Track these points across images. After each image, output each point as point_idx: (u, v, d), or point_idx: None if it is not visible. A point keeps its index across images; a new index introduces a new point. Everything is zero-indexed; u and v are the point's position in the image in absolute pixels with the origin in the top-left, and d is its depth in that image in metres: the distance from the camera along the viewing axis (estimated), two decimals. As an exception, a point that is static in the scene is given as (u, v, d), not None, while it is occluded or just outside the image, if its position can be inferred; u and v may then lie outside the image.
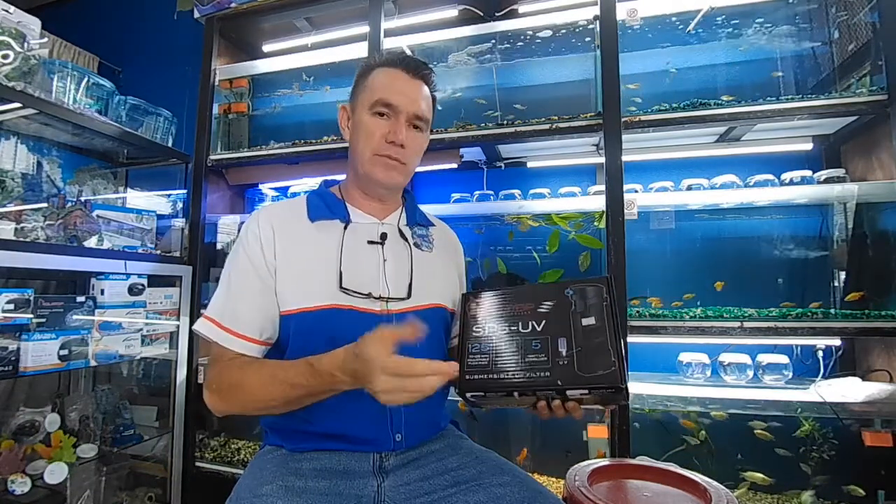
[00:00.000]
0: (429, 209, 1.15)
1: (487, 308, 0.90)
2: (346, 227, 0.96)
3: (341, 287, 0.88)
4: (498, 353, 0.83)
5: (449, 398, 1.07)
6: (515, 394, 0.78)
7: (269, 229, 0.92)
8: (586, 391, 0.76)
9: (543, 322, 0.84)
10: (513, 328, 0.85)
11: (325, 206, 0.98)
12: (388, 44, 1.92)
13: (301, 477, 0.83)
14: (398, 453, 0.88)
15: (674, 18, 1.75)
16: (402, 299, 0.92)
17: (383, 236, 0.97)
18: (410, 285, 0.94)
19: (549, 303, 0.86)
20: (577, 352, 0.79)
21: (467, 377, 0.84)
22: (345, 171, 1.06)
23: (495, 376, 0.80)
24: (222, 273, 0.94)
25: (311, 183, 2.13)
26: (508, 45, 2.01)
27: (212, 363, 0.90)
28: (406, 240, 1.01)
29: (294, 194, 2.13)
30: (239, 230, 1.77)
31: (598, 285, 0.85)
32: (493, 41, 1.98)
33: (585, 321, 0.81)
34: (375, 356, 0.67)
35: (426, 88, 0.98)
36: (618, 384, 0.74)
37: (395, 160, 0.94)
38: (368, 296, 0.89)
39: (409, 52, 1.99)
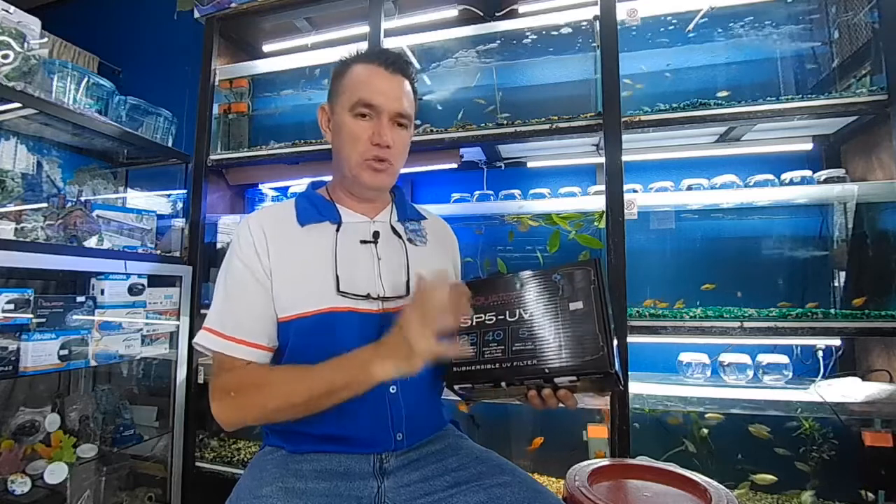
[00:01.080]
0: (429, 209, 1.15)
1: (475, 298, 0.88)
2: (338, 229, 0.95)
3: (339, 291, 0.87)
4: (485, 344, 0.82)
5: (450, 398, 1.07)
6: (503, 384, 0.77)
7: (261, 234, 0.90)
8: (574, 378, 0.74)
9: (531, 309, 0.83)
10: (500, 317, 0.84)
11: (314, 208, 0.97)
12: (389, 44, 1.92)
13: (301, 478, 0.82)
14: (399, 454, 0.88)
15: (670, 18, 1.75)
16: (401, 297, 0.92)
17: (375, 235, 0.96)
18: (408, 283, 0.93)
19: (536, 289, 0.85)
20: (564, 338, 0.77)
21: (455, 369, 0.83)
22: None
23: (482, 367, 0.79)
24: (216, 284, 0.92)
25: (312, 183, 2.13)
26: (509, 45, 2.01)
27: (219, 374, 0.86)
28: (399, 236, 1.00)
29: (294, 194, 2.13)
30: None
31: (585, 269, 0.83)
32: (497, 41, 1.98)
33: (573, 306, 0.80)
34: (406, 310, 0.76)
35: (407, 83, 0.96)
36: (606, 369, 0.72)
37: (383, 162, 0.93)
38: (367, 297, 0.89)
39: (409, 53, 2.00)
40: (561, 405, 0.79)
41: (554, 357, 0.76)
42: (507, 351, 0.79)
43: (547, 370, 0.75)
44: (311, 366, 0.80)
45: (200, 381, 1.95)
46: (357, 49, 1.00)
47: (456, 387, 0.83)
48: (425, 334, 0.73)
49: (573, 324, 0.78)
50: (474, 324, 0.85)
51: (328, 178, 1.08)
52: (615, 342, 0.75)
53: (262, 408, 0.80)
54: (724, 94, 1.60)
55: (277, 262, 0.89)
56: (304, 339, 0.87)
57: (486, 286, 0.90)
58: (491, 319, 0.84)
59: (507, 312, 0.84)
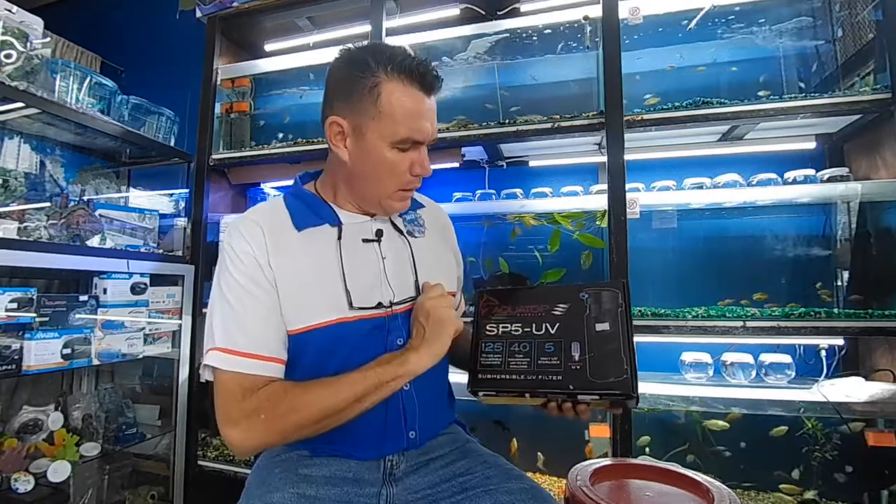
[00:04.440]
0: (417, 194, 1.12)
1: (501, 307, 0.90)
2: (339, 233, 0.90)
3: (351, 306, 0.84)
4: (511, 354, 0.83)
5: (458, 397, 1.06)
6: (527, 395, 0.79)
7: (261, 241, 0.85)
8: (597, 397, 0.77)
9: (557, 325, 0.84)
10: (526, 329, 0.86)
11: (309, 211, 0.91)
12: (390, 43, 1.91)
13: (312, 484, 0.82)
14: (409, 457, 0.88)
15: (670, 17, 1.74)
16: (412, 298, 0.91)
17: (378, 233, 0.94)
18: (416, 283, 0.93)
19: (563, 305, 0.86)
20: (589, 357, 0.79)
21: (479, 376, 0.84)
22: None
23: (507, 377, 0.81)
24: (212, 301, 0.85)
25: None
26: (510, 44, 2.00)
27: (234, 398, 0.78)
28: (400, 231, 0.98)
29: (283, 189, 2.12)
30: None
31: (613, 290, 0.85)
32: (499, 39, 1.97)
33: (599, 326, 0.82)
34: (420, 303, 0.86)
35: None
36: (629, 392, 0.74)
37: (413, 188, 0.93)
38: (378, 306, 0.87)
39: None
40: (575, 415, 0.81)
41: (578, 375, 0.78)
42: (533, 364, 0.81)
43: (571, 387, 0.77)
44: (341, 378, 0.78)
45: (202, 380, 1.95)
46: (385, 54, 0.83)
47: (480, 393, 0.84)
48: (446, 306, 0.84)
49: (599, 344, 0.80)
50: (500, 333, 0.87)
51: (313, 170, 1.01)
52: (636, 362, 0.77)
53: (297, 428, 0.76)
54: (739, 104, 1.57)
55: (280, 273, 0.84)
56: (315, 350, 0.84)
57: (513, 297, 0.91)
58: (517, 331, 0.86)
59: (534, 325, 0.86)
